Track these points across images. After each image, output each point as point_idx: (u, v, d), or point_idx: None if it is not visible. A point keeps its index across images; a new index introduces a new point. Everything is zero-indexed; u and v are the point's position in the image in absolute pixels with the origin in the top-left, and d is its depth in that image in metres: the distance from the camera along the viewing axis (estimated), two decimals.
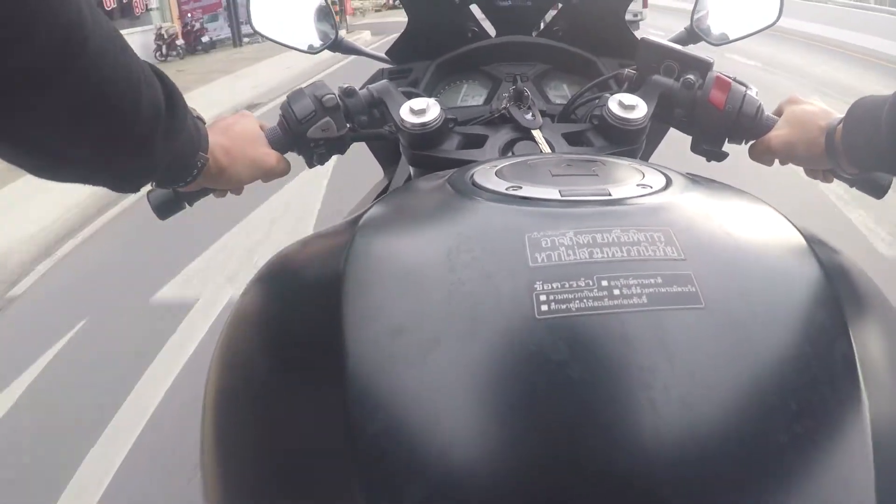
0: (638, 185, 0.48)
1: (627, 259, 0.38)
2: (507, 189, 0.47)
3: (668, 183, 0.49)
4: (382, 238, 0.47)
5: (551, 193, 0.46)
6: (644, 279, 0.37)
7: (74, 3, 0.39)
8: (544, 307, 0.35)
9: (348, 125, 0.78)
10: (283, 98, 0.77)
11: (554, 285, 0.36)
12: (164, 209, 0.74)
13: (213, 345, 0.53)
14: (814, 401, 0.35)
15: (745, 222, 0.46)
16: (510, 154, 0.78)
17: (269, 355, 0.46)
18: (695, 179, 0.51)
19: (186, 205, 0.75)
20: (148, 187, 0.64)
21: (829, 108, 0.73)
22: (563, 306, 0.35)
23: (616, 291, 0.36)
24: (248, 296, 0.53)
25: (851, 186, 0.77)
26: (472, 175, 0.51)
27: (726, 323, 0.36)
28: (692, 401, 0.33)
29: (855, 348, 0.38)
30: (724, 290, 0.38)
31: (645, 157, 1.00)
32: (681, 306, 0.36)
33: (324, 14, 1.02)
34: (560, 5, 1.00)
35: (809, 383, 0.36)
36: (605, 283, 0.37)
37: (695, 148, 0.80)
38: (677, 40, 0.97)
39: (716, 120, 0.76)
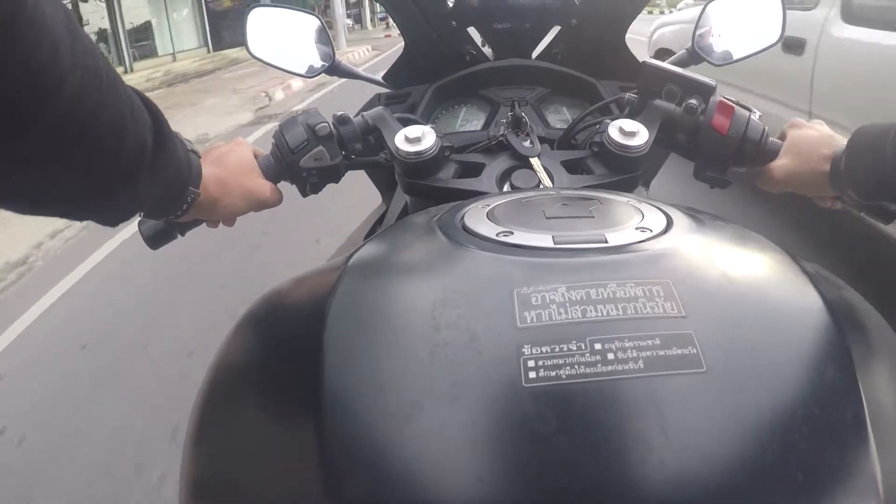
0: (637, 229, 0.46)
1: (623, 318, 0.36)
2: (497, 235, 0.45)
3: (669, 224, 0.47)
4: (366, 287, 0.45)
5: (544, 240, 0.44)
6: (641, 341, 0.35)
7: (49, 43, 0.37)
8: (532, 374, 0.33)
9: (342, 153, 0.77)
10: None
11: (543, 349, 0.34)
12: (156, 239, 0.73)
13: None
14: (822, 469, 0.33)
15: (749, 268, 0.44)
16: (508, 183, 0.77)
17: (248, 405, 0.45)
18: (697, 218, 0.49)
19: (178, 234, 0.74)
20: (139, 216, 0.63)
21: (832, 132, 0.72)
22: (553, 373, 0.33)
23: (610, 356, 0.34)
24: (234, 338, 0.52)
25: (859, 213, 0.76)
26: (463, 217, 0.50)
27: (729, 387, 0.34)
28: (690, 475, 0.31)
29: (866, 406, 0.36)
30: (728, 349, 0.36)
31: (646, 182, 0.98)
32: (680, 371, 0.34)
33: (321, 37, 1.00)
34: (559, 27, 0.99)
35: (817, 449, 0.34)
36: (598, 346, 0.35)
37: (698, 174, 0.78)
38: (679, 61, 0.96)
39: (719, 146, 0.74)
